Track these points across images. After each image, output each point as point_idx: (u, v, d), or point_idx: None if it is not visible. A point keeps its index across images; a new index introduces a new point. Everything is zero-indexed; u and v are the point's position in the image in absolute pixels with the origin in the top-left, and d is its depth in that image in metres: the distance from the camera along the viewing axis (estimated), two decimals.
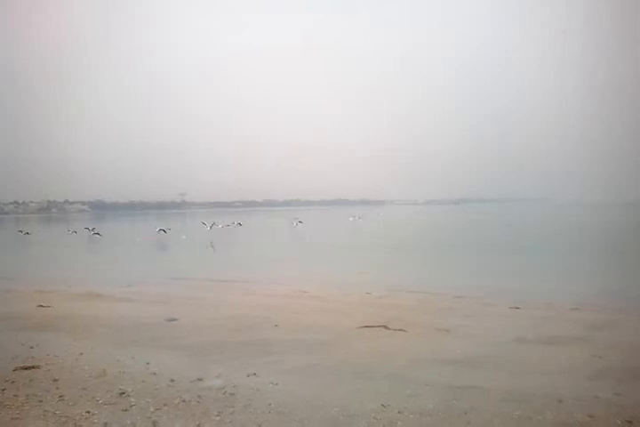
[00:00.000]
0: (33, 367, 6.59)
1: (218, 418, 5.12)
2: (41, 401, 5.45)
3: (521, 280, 17.09)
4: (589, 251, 25.32)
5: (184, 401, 5.48)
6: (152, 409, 5.25)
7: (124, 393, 5.67)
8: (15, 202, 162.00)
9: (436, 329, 9.38)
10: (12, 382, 6.04)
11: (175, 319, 10.16)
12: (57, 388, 5.85)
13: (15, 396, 5.58)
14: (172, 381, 6.13)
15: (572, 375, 6.50)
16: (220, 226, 56.19)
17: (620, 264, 20.54)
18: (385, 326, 9.39)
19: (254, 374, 6.46)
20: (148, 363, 6.86)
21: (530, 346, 8.11)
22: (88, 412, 5.17)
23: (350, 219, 71.23)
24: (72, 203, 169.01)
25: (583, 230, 41.83)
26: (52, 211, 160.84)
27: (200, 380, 6.19)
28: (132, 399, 5.51)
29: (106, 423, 4.97)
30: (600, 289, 14.96)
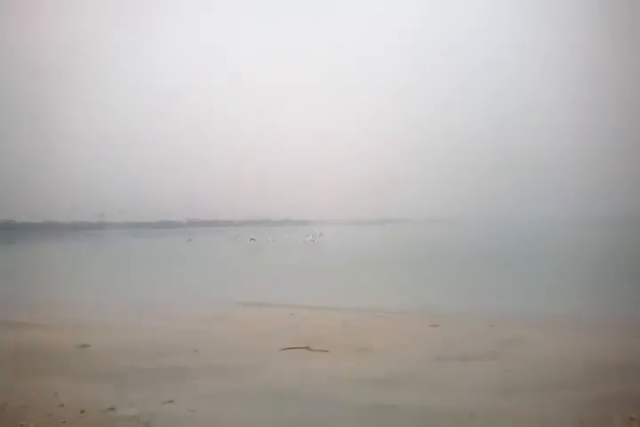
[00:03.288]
0: None
1: None
2: None
3: (442, 297, 17.50)
4: (508, 267, 26.19)
5: None
6: None
7: None
8: None
9: (357, 349, 9.47)
10: None
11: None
12: None
13: None
14: (82, 412, 5.82)
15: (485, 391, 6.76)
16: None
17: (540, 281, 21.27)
18: (307, 348, 9.39)
19: (171, 401, 6.26)
20: (55, 393, 6.48)
21: (447, 363, 8.36)
22: None
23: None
24: None
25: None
26: None
27: (112, 409, 5.91)
28: None
29: None
30: (513, 306, 15.53)
